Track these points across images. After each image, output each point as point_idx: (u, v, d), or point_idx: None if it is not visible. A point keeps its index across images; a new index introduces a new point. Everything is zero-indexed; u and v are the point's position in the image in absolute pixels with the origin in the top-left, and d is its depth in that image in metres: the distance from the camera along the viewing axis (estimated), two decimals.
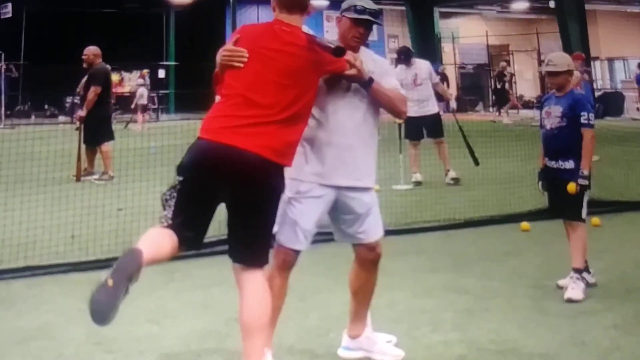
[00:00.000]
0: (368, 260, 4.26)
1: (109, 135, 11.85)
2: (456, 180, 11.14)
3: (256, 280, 3.71)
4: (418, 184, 10.99)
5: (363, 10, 4.11)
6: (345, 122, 4.06)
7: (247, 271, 3.70)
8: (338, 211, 4.16)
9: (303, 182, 4.02)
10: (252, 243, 3.71)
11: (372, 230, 4.22)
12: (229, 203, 3.67)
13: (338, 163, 4.06)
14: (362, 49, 4.23)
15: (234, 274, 3.76)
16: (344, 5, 4.19)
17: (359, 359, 4.40)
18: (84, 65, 11.88)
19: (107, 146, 11.71)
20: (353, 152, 4.09)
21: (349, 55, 3.90)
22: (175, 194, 3.65)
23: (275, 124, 3.65)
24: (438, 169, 11.45)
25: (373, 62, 4.22)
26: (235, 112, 3.66)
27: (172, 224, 3.61)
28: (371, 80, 4.03)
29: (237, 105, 3.68)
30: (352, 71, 3.94)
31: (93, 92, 11.49)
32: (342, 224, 4.21)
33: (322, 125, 4.05)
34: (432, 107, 11.25)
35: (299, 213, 4.00)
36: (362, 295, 4.36)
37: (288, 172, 3.87)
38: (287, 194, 3.97)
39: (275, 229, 4.01)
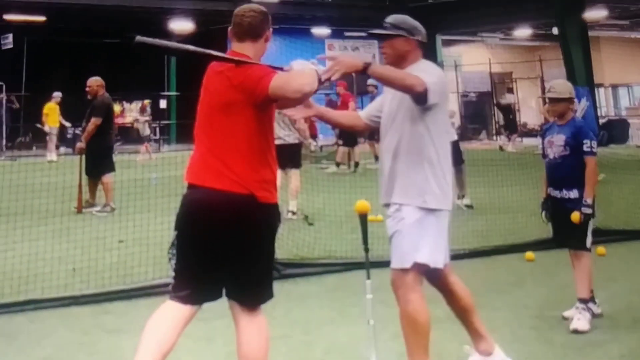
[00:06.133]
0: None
1: (111, 167, 11.80)
2: (469, 207, 11.23)
3: (254, 314, 3.67)
4: None
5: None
6: (391, 144, 4.21)
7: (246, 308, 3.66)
8: None
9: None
10: (254, 286, 3.67)
11: (394, 254, 4.23)
12: (224, 248, 3.57)
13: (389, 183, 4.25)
14: (422, 60, 4.30)
15: (230, 309, 3.73)
16: None
17: None
18: (88, 96, 11.86)
19: (108, 177, 11.65)
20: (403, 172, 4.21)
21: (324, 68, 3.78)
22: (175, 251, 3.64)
23: (240, 173, 3.56)
24: None
25: (417, 72, 4.18)
26: (207, 163, 3.62)
27: (177, 283, 3.62)
28: (367, 65, 3.87)
29: (206, 158, 3.64)
30: (336, 72, 3.74)
31: (93, 123, 11.45)
32: None
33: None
34: (452, 135, 11.38)
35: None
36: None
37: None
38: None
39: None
